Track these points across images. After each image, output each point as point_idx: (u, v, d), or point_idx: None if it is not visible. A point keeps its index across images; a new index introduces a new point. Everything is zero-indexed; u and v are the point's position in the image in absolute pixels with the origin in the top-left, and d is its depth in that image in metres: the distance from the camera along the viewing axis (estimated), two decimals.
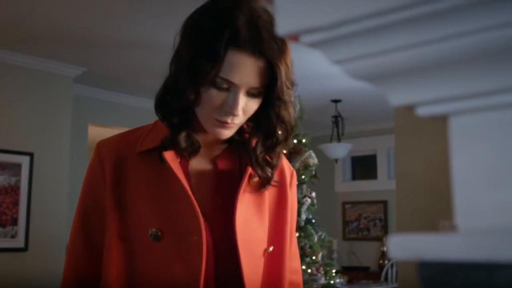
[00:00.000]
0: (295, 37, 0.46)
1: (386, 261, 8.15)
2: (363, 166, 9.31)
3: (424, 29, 0.41)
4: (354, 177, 9.37)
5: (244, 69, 1.18)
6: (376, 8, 0.41)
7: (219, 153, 1.36)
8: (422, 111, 0.45)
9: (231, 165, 1.36)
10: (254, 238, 1.31)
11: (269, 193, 1.36)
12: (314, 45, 0.45)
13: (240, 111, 1.21)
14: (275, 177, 1.36)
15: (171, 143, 1.27)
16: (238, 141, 1.34)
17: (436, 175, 4.34)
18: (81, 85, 6.45)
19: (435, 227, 4.49)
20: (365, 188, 9.06)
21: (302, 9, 0.45)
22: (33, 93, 5.63)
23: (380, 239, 8.76)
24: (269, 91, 1.22)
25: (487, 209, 0.42)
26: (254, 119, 1.29)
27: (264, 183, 1.33)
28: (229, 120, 1.23)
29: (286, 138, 1.31)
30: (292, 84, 1.26)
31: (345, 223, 9.22)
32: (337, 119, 7.27)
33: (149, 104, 5.92)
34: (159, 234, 1.24)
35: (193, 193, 1.26)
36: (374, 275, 8.07)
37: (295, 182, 1.47)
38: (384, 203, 8.88)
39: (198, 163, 1.34)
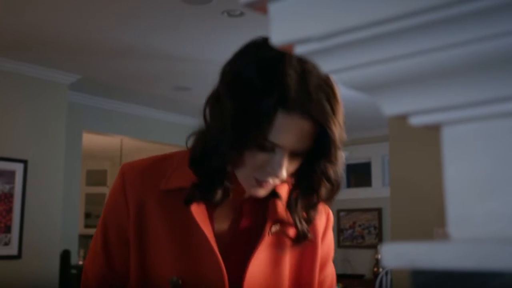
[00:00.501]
0: (289, 47, 0.46)
1: (381, 269, 8.15)
2: (358, 174, 9.32)
3: (417, 40, 0.41)
4: (349, 184, 9.37)
5: (293, 132, 1.08)
6: (369, 18, 0.41)
7: (247, 198, 1.26)
8: (415, 121, 0.45)
9: (257, 213, 1.27)
10: None
11: (295, 248, 1.27)
12: (308, 55, 0.46)
13: (283, 173, 1.13)
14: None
15: (203, 196, 1.19)
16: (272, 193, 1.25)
17: (431, 183, 4.35)
18: (76, 92, 6.44)
19: (430, 235, 4.50)
20: (359, 195, 9.06)
21: (296, 19, 0.45)
22: (28, 100, 5.62)
23: (374, 247, 8.75)
24: (318, 150, 1.13)
25: (480, 218, 0.43)
26: (297, 175, 1.20)
27: (299, 239, 1.24)
28: (270, 181, 1.15)
29: (330, 197, 1.22)
30: (344, 142, 1.16)
31: (340, 230, 9.21)
32: None
33: (144, 111, 5.92)
34: (180, 283, 1.18)
35: (215, 240, 1.20)
36: (369, 283, 8.06)
37: (330, 225, 1.36)
38: (379, 210, 8.88)
39: (223, 207, 1.25)
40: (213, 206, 1.22)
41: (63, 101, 5.92)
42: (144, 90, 6.47)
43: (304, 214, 1.25)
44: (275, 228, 1.24)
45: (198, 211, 1.19)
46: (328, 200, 1.24)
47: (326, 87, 1.08)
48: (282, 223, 1.24)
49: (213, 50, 5.02)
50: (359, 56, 0.44)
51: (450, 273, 0.41)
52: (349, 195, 9.11)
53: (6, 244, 5.38)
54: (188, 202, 1.19)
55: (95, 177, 10.70)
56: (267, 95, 1.06)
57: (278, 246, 1.25)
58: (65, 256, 6.21)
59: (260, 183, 1.15)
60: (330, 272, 1.36)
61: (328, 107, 1.08)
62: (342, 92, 1.12)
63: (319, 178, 1.19)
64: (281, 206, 1.25)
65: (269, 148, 1.10)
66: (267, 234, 1.22)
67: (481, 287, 0.40)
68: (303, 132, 1.08)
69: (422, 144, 4.61)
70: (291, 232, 1.25)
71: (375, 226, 8.95)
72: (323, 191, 1.21)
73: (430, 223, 4.49)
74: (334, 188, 1.21)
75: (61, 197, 5.78)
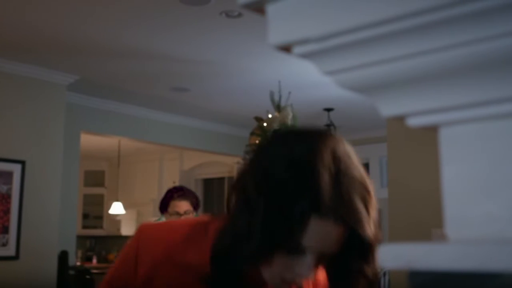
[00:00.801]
0: (287, 48, 0.46)
1: (379, 270, 8.15)
2: None
3: (414, 41, 0.41)
4: None
5: (325, 237, 1.04)
6: (367, 20, 0.41)
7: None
8: (412, 122, 0.45)
9: None
10: None
11: None
12: (306, 56, 0.46)
13: (312, 275, 1.09)
14: None
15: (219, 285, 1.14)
16: None
17: (429, 184, 4.36)
18: (74, 93, 6.44)
19: (428, 236, 4.50)
20: None
21: (294, 21, 0.45)
22: (26, 100, 5.61)
23: None
24: (353, 249, 1.07)
25: (477, 219, 0.43)
26: (332, 270, 1.15)
27: None
28: (299, 284, 1.11)
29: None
30: (380, 241, 1.10)
31: None
32: (329, 128, 7.28)
33: (142, 112, 5.90)
34: None
35: None
36: None
37: None
38: (377, 211, 8.87)
39: None
40: None
41: (61, 101, 5.92)
42: (142, 90, 6.47)
43: None
44: None
45: None
46: None
47: (360, 188, 1.04)
48: None
49: (211, 51, 5.02)
50: (357, 57, 0.44)
51: (448, 274, 0.41)
52: None
53: (4, 245, 5.37)
54: (204, 279, 1.13)
55: (93, 178, 10.70)
56: (300, 199, 1.00)
57: None
58: (63, 257, 6.20)
59: (286, 283, 1.10)
60: None
61: (363, 209, 1.04)
62: (339, 93, 1.11)
63: (357, 277, 1.13)
64: None
65: (299, 251, 1.05)
66: None
67: (478, 287, 0.40)
68: (336, 236, 1.04)
69: (420, 145, 4.61)
70: None
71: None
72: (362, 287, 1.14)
73: (428, 224, 4.49)
74: (369, 285, 1.14)
75: (58, 198, 5.77)
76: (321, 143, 1.03)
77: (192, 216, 3.40)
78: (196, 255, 1.17)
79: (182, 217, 3.33)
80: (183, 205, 3.39)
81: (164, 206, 3.43)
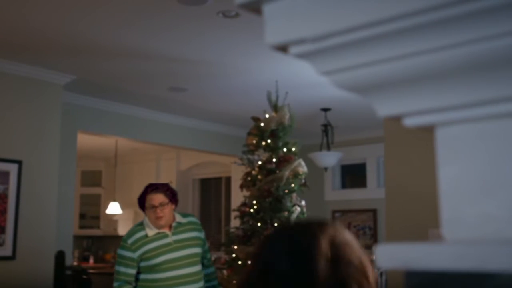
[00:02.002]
0: (284, 48, 0.46)
1: (376, 270, 8.16)
2: (353, 175, 9.32)
3: (410, 42, 0.41)
4: (344, 185, 9.38)
5: None
6: (363, 20, 0.41)
7: None
8: (409, 122, 0.45)
9: None
10: None
11: None
12: (302, 56, 0.46)
13: None
14: None
15: None
16: None
17: (425, 184, 4.36)
18: (70, 92, 6.43)
19: (425, 236, 4.50)
20: (354, 196, 9.06)
21: (290, 21, 0.45)
22: (22, 100, 5.61)
23: (369, 248, 8.75)
24: None
25: (473, 219, 0.43)
26: None
27: None
28: None
29: None
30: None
31: None
32: (326, 128, 7.28)
33: (139, 111, 5.89)
34: None
35: None
36: None
37: None
38: (374, 211, 8.89)
39: None
40: None
41: (58, 101, 5.91)
42: (139, 90, 6.46)
43: None
44: None
45: None
46: None
47: (357, 275, 1.07)
48: None
49: (208, 50, 5.01)
50: (353, 58, 0.44)
51: (445, 274, 0.41)
52: (344, 196, 9.12)
53: (1, 245, 5.37)
54: None
55: (90, 178, 10.69)
56: (297, 284, 1.05)
57: None
58: (60, 256, 6.19)
59: None
60: None
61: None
62: (336, 93, 1.12)
63: None
64: None
65: None
66: None
67: (475, 287, 0.40)
68: None
69: (417, 146, 4.61)
70: None
71: (370, 227, 8.96)
72: None
73: (425, 224, 4.49)
74: None
75: (55, 198, 5.76)
76: (319, 233, 1.07)
77: (168, 208, 3.49)
78: None
79: (158, 209, 3.45)
80: (157, 198, 3.51)
81: (142, 203, 3.53)
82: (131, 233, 3.55)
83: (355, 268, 1.07)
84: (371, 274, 1.10)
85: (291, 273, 1.05)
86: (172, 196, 3.58)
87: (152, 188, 3.57)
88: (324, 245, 1.06)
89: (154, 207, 3.48)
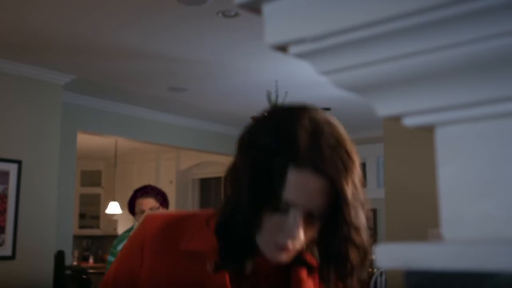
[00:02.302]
0: (284, 48, 0.46)
1: (375, 270, 8.16)
2: None
3: (409, 42, 0.41)
4: None
5: (305, 190, 1.08)
6: (363, 20, 0.41)
7: (266, 274, 1.25)
8: (408, 122, 0.45)
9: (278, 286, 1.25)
10: None
11: None
12: (302, 55, 0.46)
13: (301, 234, 1.11)
14: None
15: (232, 266, 1.18)
16: (300, 263, 1.23)
17: (425, 184, 4.36)
18: (70, 92, 6.43)
19: (424, 236, 4.51)
20: None
21: (290, 21, 0.45)
22: (22, 100, 5.61)
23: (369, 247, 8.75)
24: (336, 212, 1.10)
25: (473, 219, 0.43)
26: (323, 244, 1.19)
27: None
28: (289, 244, 1.12)
29: (361, 263, 1.17)
30: (364, 204, 1.15)
31: None
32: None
33: (139, 111, 5.90)
34: None
35: None
36: (363, 283, 8.06)
37: None
38: (374, 211, 8.89)
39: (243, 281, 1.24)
40: (236, 278, 1.21)
41: (58, 101, 5.91)
42: (139, 90, 6.46)
43: (341, 286, 1.22)
44: None
45: (219, 278, 1.18)
46: (361, 267, 1.19)
47: (338, 147, 1.09)
48: None
49: (208, 50, 5.01)
50: (353, 57, 0.44)
51: (444, 274, 0.41)
52: None
53: (0, 244, 5.37)
54: (217, 270, 1.17)
55: (90, 178, 10.69)
56: (278, 154, 1.07)
57: None
58: (59, 256, 6.20)
59: (280, 248, 1.13)
60: None
61: (341, 165, 1.07)
62: (336, 93, 1.13)
63: (344, 243, 1.15)
64: (306, 279, 1.23)
65: (284, 208, 1.09)
66: None
67: (475, 287, 0.40)
68: (316, 189, 1.08)
69: (416, 145, 4.61)
70: None
71: (370, 227, 8.94)
72: (354, 257, 1.17)
73: (425, 224, 4.50)
74: (361, 253, 1.17)
75: (55, 198, 5.76)
76: (301, 111, 1.11)
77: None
78: (200, 243, 1.21)
79: None
80: (147, 203, 3.44)
81: (131, 208, 3.48)
82: (120, 239, 3.51)
83: (336, 142, 1.09)
84: (355, 154, 1.12)
85: (272, 145, 1.08)
86: (163, 199, 3.52)
87: (142, 192, 3.49)
88: (305, 121, 1.09)
89: (144, 212, 3.42)
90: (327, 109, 7.10)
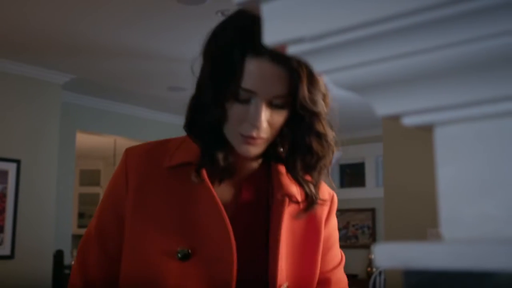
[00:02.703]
0: (282, 47, 0.46)
1: (374, 269, 8.16)
2: (352, 174, 9.33)
3: (409, 40, 0.41)
4: (343, 184, 9.39)
5: (263, 77, 1.13)
6: (362, 19, 0.41)
7: (247, 178, 1.29)
8: (408, 121, 0.45)
9: (257, 192, 1.29)
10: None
11: (300, 224, 1.29)
12: (301, 55, 0.46)
13: (263, 123, 1.15)
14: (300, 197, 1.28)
15: (209, 161, 1.22)
16: (272, 157, 1.28)
17: (424, 184, 4.36)
18: (69, 92, 6.43)
19: (423, 235, 4.51)
20: (353, 195, 9.07)
21: (289, 20, 0.45)
22: (21, 99, 5.61)
23: (368, 247, 8.77)
24: (295, 101, 1.15)
25: (472, 219, 0.43)
26: (289, 136, 1.23)
27: (310, 203, 1.27)
28: (254, 134, 1.16)
29: (325, 153, 1.22)
30: (325, 94, 1.19)
31: None
32: None
33: (138, 111, 5.91)
34: (189, 252, 1.19)
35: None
36: (362, 282, 8.07)
37: (334, 208, 1.39)
38: (372, 210, 8.90)
39: (225, 185, 1.28)
40: (218, 181, 1.25)
41: (57, 101, 5.91)
42: (138, 90, 6.46)
43: (309, 178, 1.26)
44: (281, 194, 1.26)
45: (204, 188, 1.21)
46: (325, 158, 1.23)
47: None
48: (289, 192, 1.26)
49: None
50: (352, 57, 0.44)
51: (443, 273, 0.41)
52: (342, 195, 9.10)
53: None
54: (199, 169, 1.21)
55: (89, 177, 10.69)
56: (237, 46, 1.13)
57: (291, 215, 1.27)
58: (58, 256, 6.20)
59: (245, 139, 1.18)
60: (334, 255, 1.37)
61: (296, 64, 1.12)
62: (335, 92, 1.13)
63: (308, 133, 1.21)
64: (285, 177, 1.27)
65: (245, 96, 1.15)
66: (286, 203, 1.24)
67: (474, 287, 0.40)
68: (273, 75, 1.12)
69: (415, 145, 4.62)
70: (299, 199, 1.27)
71: (369, 226, 8.97)
72: (316, 146, 1.22)
73: (424, 224, 4.50)
74: (324, 143, 1.22)
75: (54, 197, 5.76)
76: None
77: None
78: (181, 157, 1.26)
79: None
80: None
81: None
82: None
83: None
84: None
85: (232, 39, 1.15)
86: None
87: None
88: None
89: None
90: None
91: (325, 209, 1.35)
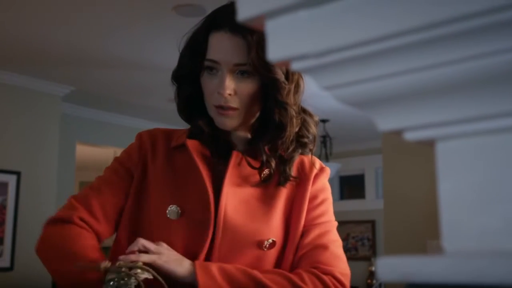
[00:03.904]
0: (287, 63, 0.47)
1: (374, 281, 8.14)
2: (351, 186, 9.33)
3: (412, 58, 0.42)
4: (342, 196, 9.38)
5: (222, 46, 1.30)
6: (365, 36, 0.42)
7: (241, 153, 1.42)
8: (409, 136, 0.46)
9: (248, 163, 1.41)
10: (243, 227, 1.34)
11: (290, 190, 1.41)
12: (304, 71, 0.47)
13: (227, 90, 1.29)
14: (294, 171, 1.41)
15: (194, 130, 1.41)
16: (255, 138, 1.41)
17: (424, 195, 4.36)
18: (69, 103, 6.44)
19: (423, 247, 4.50)
20: (353, 207, 9.06)
21: (293, 37, 0.46)
22: (21, 111, 5.61)
23: (368, 259, 8.75)
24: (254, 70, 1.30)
25: (473, 232, 0.43)
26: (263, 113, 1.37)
27: (266, 174, 1.38)
28: (222, 103, 1.30)
29: (284, 121, 1.33)
30: (287, 70, 1.31)
31: None
32: (325, 139, 7.29)
33: (138, 123, 5.92)
34: (178, 210, 1.35)
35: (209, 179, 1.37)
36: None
37: (323, 175, 1.47)
38: (372, 222, 8.89)
39: (222, 160, 1.41)
40: (215, 157, 1.41)
41: (57, 112, 5.91)
42: (138, 102, 6.47)
43: (280, 150, 1.38)
44: (238, 153, 1.40)
45: (195, 154, 1.38)
46: (284, 128, 1.34)
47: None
48: (248, 160, 1.39)
49: None
50: (355, 73, 0.45)
51: (444, 286, 0.41)
52: (342, 207, 9.11)
53: None
54: (190, 136, 1.41)
55: None
56: (204, 26, 1.35)
57: (263, 184, 1.39)
58: None
59: (218, 110, 1.32)
60: (318, 215, 1.44)
61: (249, 36, 1.27)
62: (334, 104, 1.15)
63: (270, 103, 1.33)
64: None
65: (212, 69, 1.32)
66: (231, 166, 1.38)
67: None
68: (232, 45, 1.29)
69: (415, 157, 4.62)
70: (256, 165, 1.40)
71: (369, 238, 8.95)
72: (277, 116, 1.33)
73: (423, 235, 4.49)
74: (283, 111, 1.32)
75: (54, 209, 5.75)
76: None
77: None
78: (182, 139, 1.44)
79: None
80: None
81: None
82: None
83: None
84: None
85: (200, 24, 1.36)
86: None
87: None
88: (229, 7, 1.34)
89: None
90: (326, 120, 7.11)
91: (313, 172, 1.45)
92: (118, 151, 8.21)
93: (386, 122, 0.46)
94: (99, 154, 8.71)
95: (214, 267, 1.27)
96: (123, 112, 6.99)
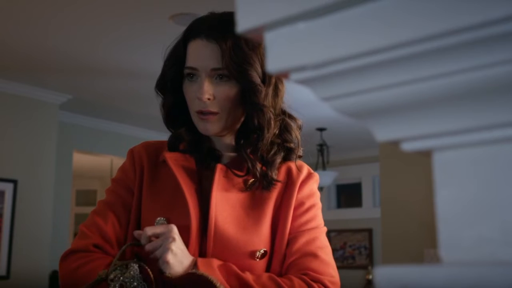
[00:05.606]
0: (285, 75, 0.47)
1: None
2: (348, 194, 9.33)
3: (410, 69, 0.43)
4: (339, 205, 9.38)
5: (199, 53, 1.36)
6: (363, 48, 0.42)
7: (228, 162, 1.45)
8: (407, 147, 0.46)
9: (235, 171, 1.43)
10: (234, 238, 1.35)
11: (277, 196, 1.42)
12: (303, 82, 0.47)
13: (206, 95, 1.34)
14: (280, 178, 1.43)
15: (174, 137, 1.45)
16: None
17: (421, 204, 4.37)
18: (66, 112, 6.44)
19: (420, 256, 4.50)
20: (350, 216, 9.06)
21: (291, 48, 0.46)
22: (18, 119, 5.61)
23: (365, 267, 8.74)
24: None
25: (470, 241, 0.44)
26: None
27: (252, 180, 1.40)
28: (202, 108, 1.35)
29: (262, 124, 1.36)
30: (251, 66, 1.34)
31: None
32: (322, 147, 7.30)
33: (135, 131, 5.92)
34: (164, 221, 1.37)
35: (198, 193, 1.40)
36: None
37: (312, 181, 1.48)
38: (369, 231, 8.88)
39: (210, 171, 1.44)
40: (203, 168, 1.45)
41: (54, 121, 5.91)
42: (135, 110, 6.48)
43: (262, 152, 1.40)
44: (226, 161, 1.44)
45: (174, 165, 1.42)
46: (262, 130, 1.37)
47: (229, 24, 1.28)
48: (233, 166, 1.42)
49: None
50: (353, 84, 0.45)
51: None
52: (339, 216, 9.11)
53: None
54: (170, 148, 1.46)
55: (85, 197, 10.64)
56: (183, 36, 1.42)
57: (248, 190, 1.41)
58: (54, 276, 6.16)
59: (199, 116, 1.37)
60: (305, 221, 1.44)
61: (220, 29, 1.34)
62: (331, 113, 1.16)
63: (248, 106, 1.36)
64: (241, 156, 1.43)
65: (193, 75, 1.38)
66: (217, 175, 1.40)
67: None
68: (207, 50, 1.35)
69: (412, 165, 4.63)
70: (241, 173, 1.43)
71: (366, 246, 8.94)
72: (256, 120, 1.36)
73: (421, 244, 4.50)
74: (259, 112, 1.36)
75: (50, 217, 5.74)
76: None
77: None
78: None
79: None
80: None
81: None
82: None
83: (227, 20, 1.36)
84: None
85: (181, 36, 1.44)
86: None
87: None
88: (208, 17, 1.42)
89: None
90: (323, 129, 7.12)
91: (301, 177, 1.46)
92: (115, 160, 8.22)
93: (383, 132, 0.46)
94: (96, 162, 8.70)
95: (215, 263, 1.31)
96: (120, 121, 6.99)
